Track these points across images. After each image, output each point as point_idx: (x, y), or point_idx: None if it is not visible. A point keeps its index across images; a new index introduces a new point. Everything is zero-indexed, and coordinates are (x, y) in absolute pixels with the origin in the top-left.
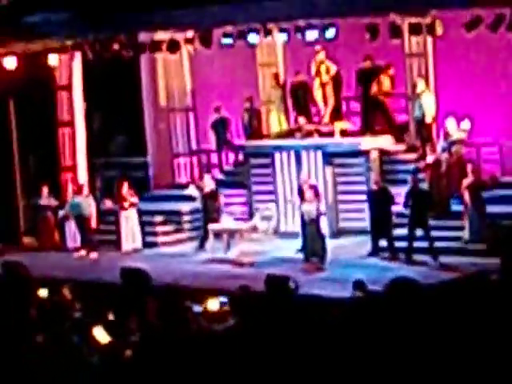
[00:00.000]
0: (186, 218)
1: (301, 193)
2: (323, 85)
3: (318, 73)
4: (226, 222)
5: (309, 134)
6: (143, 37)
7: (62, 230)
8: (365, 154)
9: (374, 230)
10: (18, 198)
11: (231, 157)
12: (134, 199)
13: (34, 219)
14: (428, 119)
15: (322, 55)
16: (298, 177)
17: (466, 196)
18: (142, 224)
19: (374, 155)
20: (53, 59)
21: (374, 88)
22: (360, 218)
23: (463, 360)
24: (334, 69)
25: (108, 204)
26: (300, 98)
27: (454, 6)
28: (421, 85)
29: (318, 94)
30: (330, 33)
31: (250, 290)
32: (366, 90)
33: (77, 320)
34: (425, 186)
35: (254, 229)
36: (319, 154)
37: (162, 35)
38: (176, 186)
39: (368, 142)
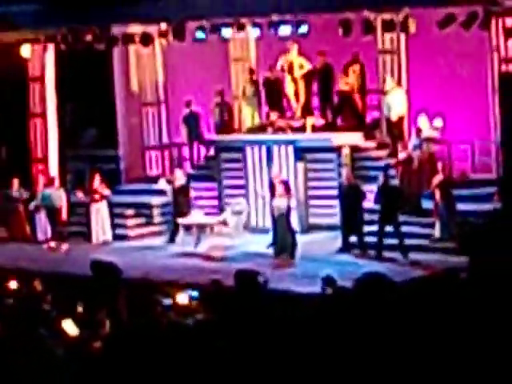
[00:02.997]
0: (157, 211)
1: (272, 188)
2: (295, 80)
3: (291, 69)
4: (197, 216)
5: (281, 129)
6: (116, 29)
7: (33, 221)
8: (336, 150)
9: (345, 226)
10: None
11: (202, 151)
12: (106, 192)
13: (5, 211)
14: (393, 117)
15: (295, 51)
16: (269, 172)
17: (437, 193)
18: (113, 216)
19: (346, 151)
20: (25, 50)
21: (342, 84)
22: (331, 213)
23: (432, 355)
24: (307, 65)
25: (79, 196)
26: (273, 93)
27: (427, 3)
28: (390, 82)
29: (290, 89)
30: (303, 28)
31: (220, 284)
32: (325, 86)
33: (46, 312)
34: (396, 182)
35: (225, 223)
36: (291, 149)
37: (135, 28)
38: (147, 179)
39: (340, 138)
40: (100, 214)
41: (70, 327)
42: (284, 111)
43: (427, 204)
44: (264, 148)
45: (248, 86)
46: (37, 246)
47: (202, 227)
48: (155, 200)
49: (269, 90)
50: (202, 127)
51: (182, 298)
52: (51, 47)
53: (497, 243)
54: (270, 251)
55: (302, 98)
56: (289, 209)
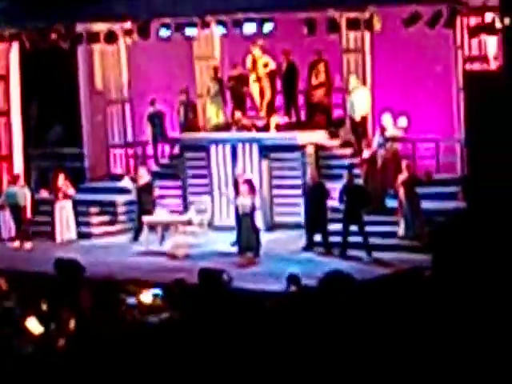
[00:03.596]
0: (121, 209)
1: (236, 186)
2: (259, 79)
3: (255, 67)
4: (161, 215)
5: (245, 128)
6: (81, 27)
7: None
8: (301, 148)
9: (309, 225)
10: None
11: (167, 149)
12: (70, 190)
13: None
14: (357, 116)
15: (258, 50)
16: (233, 170)
17: (401, 192)
18: (77, 215)
19: (310, 150)
20: None
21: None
22: (295, 212)
23: (394, 353)
24: (271, 64)
25: (43, 194)
26: (237, 92)
27: (392, 1)
28: (353, 81)
29: (254, 87)
30: (268, 27)
31: (184, 283)
32: (289, 84)
33: (10, 310)
34: (360, 181)
35: (189, 222)
36: (255, 147)
37: (99, 26)
38: (111, 177)
39: (304, 137)
40: (64, 212)
41: (34, 325)
42: (248, 110)
43: (391, 202)
44: (228, 147)
45: (212, 84)
46: (1, 244)
47: (166, 226)
48: (119, 198)
49: (233, 89)
50: (166, 126)
51: (146, 297)
52: (16, 45)
53: (461, 242)
54: (235, 250)
55: (267, 97)
56: (253, 207)
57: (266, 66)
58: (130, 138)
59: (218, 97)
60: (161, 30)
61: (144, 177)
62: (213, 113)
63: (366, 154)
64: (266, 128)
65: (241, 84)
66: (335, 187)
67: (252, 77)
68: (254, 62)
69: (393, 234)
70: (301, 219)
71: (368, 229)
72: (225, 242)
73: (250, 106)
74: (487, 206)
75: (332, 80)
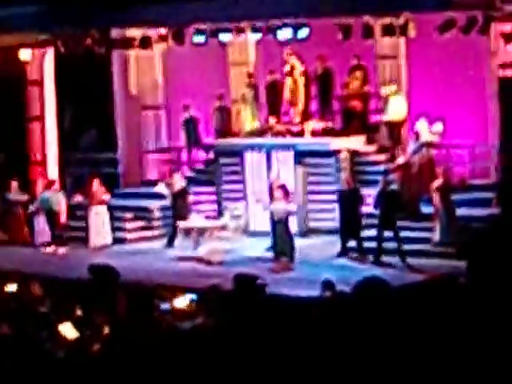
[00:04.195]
0: (156, 214)
1: (270, 192)
2: (295, 84)
3: (290, 73)
4: (195, 220)
5: (280, 134)
6: (116, 33)
7: (32, 225)
8: (335, 154)
9: (344, 231)
10: None
11: (201, 155)
12: (105, 195)
13: (4, 214)
14: (396, 121)
15: (293, 55)
16: (268, 176)
17: (436, 198)
18: (112, 220)
19: (345, 155)
20: (25, 54)
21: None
22: (329, 218)
23: (432, 361)
24: (299, 67)
25: (78, 199)
26: (272, 98)
27: (427, 8)
28: (391, 86)
29: (289, 93)
30: (303, 32)
31: (219, 288)
32: (325, 90)
33: (44, 315)
34: (395, 187)
35: (224, 227)
36: (290, 153)
37: (134, 31)
38: (145, 182)
39: (339, 143)
40: (99, 217)
41: (68, 330)
42: (282, 115)
43: (426, 209)
44: (263, 152)
45: (247, 90)
46: (35, 250)
47: (200, 231)
48: (154, 204)
49: (268, 94)
50: (200, 131)
51: (181, 302)
52: (50, 50)
53: (496, 248)
54: (269, 255)
55: (301, 103)
56: (288, 213)
57: (299, 71)
58: (164, 143)
59: (252, 103)
60: (195, 35)
61: (178, 182)
62: (247, 119)
63: (401, 159)
64: (300, 133)
65: (276, 90)
66: (370, 193)
67: (287, 83)
68: (290, 68)
69: (427, 240)
70: (335, 225)
71: (403, 235)
72: (259, 247)
73: (284, 111)
74: None
75: (366, 85)
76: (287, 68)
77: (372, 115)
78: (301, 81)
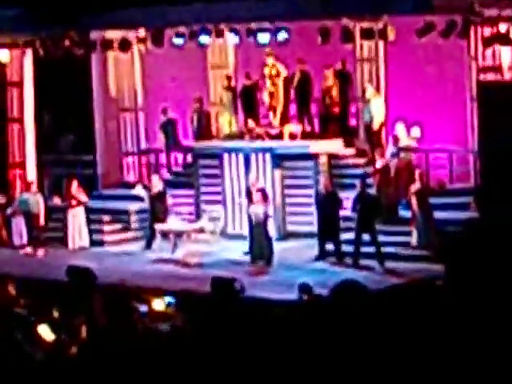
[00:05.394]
0: (134, 217)
1: (249, 195)
2: (273, 87)
3: (269, 76)
4: (173, 223)
5: (258, 137)
6: (95, 35)
7: (10, 226)
8: (314, 157)
9: (322, 234)
10: None
11: (180, 157)
12: (83, 197)
13: None
14: (375, 125)
15: (272, 58)
16: (246, 179)
17: (414, 202)
18: (90, 222)
19: (323, 159)
20: (4, 55)
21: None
22: (308, 221)
23: (407, 362)
24: (284, 72)
25: (56, 201)
26: (250, 101)
27: (406, 11)
28: (370, 90)
29: (267, 96)
30: (282, 36)
31: (197, 291)
32: (303, 93)
33: (22, 317)
34: (373, 190)
35: (201, 230)
36: (268, 156)
37: (113, 34)
38: (124, 185)
39: (317, 146)
40: (77, 219)
41: (45, 332)
42: (261, 118)
43: (404, 212)
44: (242, 155)
45: (225, 92)
46: (13, 251)
47: (178, 234)
48: (132, 206)
49: (246, 98)
50: (179, 134)
51: (158, 305)
52: (29, 52)
53: (473, 252)
54: (247, 258)
55: (280, 106)
56: (266, 216)
57: (278, 74)
58: (143, 145)
59: (230, 106)
60: (175, 38)
61: (157, 185)
62: (225, 122)
63: (379, 163)
64: (279, 137)
65: (253, 93)
66: (348, 196)
67: (265, 85)
68: (269, 70)
69: (405, 244)
70: (313, 228)
71: (381, 238)
72: (237, 250)
73: (263, 114)
74: (500, 216)
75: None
76: (266, 70)
77: (351, 118)
78: (280, 83)
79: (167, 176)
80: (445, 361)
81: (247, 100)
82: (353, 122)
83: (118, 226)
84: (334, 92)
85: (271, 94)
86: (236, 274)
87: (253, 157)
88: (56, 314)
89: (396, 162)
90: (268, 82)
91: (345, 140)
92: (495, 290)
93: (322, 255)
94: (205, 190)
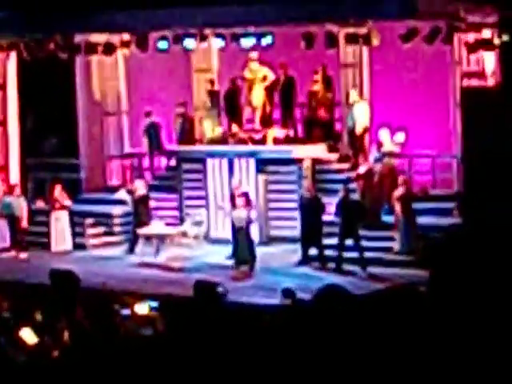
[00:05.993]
0: (117, 221)
1: (232, 199)
2: (257, 92)
3: (253, 80)
4: (156, 227)
5: (242, 141)
6: (79, 38)
7: None
8: (297, 162)
9: (305, 239)
10: None
11: (163, 161)
12: (66, 201)
13: None
14: (358, 130)
15: (256, 62)
16: (229, 183)
17: (397, 207)
18: (73, 226)
19: (307, 163)
20: None
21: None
22: (291, 226)
23: (389, 368)
24: (270, 76)
25: (39, 205)
26: (233, 105)
27: (391, 16)
28: (353, 95)
29: (251, 100)
30: (266, 40)
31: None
32: (287, 98)
33: (4, 320)
34: (356, 196)
35: (184, 234)
36: (252, 160)
37: (97, 37)
38: (107, 188)
39: (301, 151)
40: (60, 222)
41: (28, 335)
42: (244, 123)
43: (387, 218)
44: (225, 159)
45: (208, 97)
46: None
47: (161, 238)
48: (115, 210)
49: (229, 102)
50: (162, 138)
51: (141, 309)
52: (13, 55)
53: (456, 257)
54: (230, 263)
55: (264, 110)
56: (249, 220)
57: (264, 78)
58: (126, 149)
59: (213, 110)
60: (159, 42)
61: (140, 188)
62: (208, 126)
63: (362, 168)
64: (263, 141)
65: (236, 97)
66: (331, 201)
67: (250, 89)
68: (254, 74)
69: (388, 249)
70: (297, 233)
71: (364, 243)
72: (220, 254)
73: (247, 119)
74: (482, 222)
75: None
76: (249, 74)
77: (334, 123)
78: (263, 87)
79: (150, 180)
80: (428, 366)
81: (230, 104)
82: (337, 126)
83: (101, 229)
84: (321, 96)
85: (255, 98)
86: (219, 279)
87: (236, 161)
88: (39, 317)
89: (379, 167)
90: (253, 86)
91: (329, 145)
92: (478, 295)
93: (305, 260)
94: (188, 194)
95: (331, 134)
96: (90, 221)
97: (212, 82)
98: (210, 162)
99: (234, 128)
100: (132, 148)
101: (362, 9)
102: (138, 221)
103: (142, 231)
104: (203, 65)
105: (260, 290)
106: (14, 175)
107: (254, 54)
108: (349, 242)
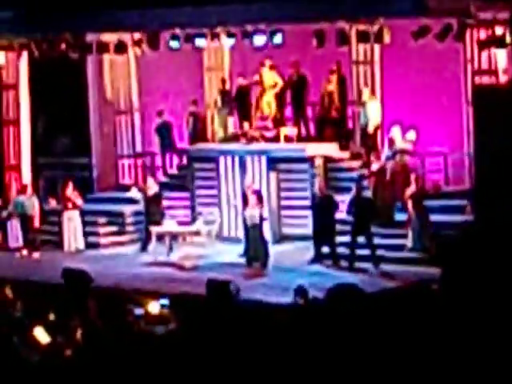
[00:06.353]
0: (129, 219)
1: (244, 198)
2: (268, 98)
3: (264, 87)
4: (169, 225)
5: (254, 139)
6: (90, 37)
7: (5, 229)
8: (309, 160)
9: (317, 237)
10: None
11: (175, 160)
12: (78, 200)
13: None
14: (371, 128)
15: (267, 69)
16: (241, 182)
17: (410, 205)
18: (85, 225)
19: (319, 162)
20: None
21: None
22: (303, 224)
23: (403, 365)
24: (280, 82)
25: (52, 204)
26: (245, 103)
27: (402, 14)
28: (366, 93)
29: (263, 99)
30: (278, 38)
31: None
32: (299, 96)
33: (17, 319)
34: (369, 193)
35: (197, 232)
36: (263, 159)
37: (109, 36)
38: (119, 187)
39: (313, 149)
40: (72, 222)
41: (41, 335)
42: (257, 121)
43: (400, 215)
44: (237, 158)
45: (220, 95)
46: (9, 254)
47: (174, 236)
48: (127, 209)
49: (241, 100)
50: (174, 136)
51: (154, 307)
52: (25, 55)
53: (468, 255)
54: (242, 261)
55: (276, 109)
56: (261, 219)
57: (275, 85)
58: (138, 148)
59: (225, 108)
60: (170, 40)
61: (152, 187)
62: (220, 125)
63: (374, 166)
64: (275, 139)
65: (248, 95)
66: (344, 199)
67: (261, 96)
68: (263, 82)
69: (401, 247)
70: (309, 231)
71: (376, 241)
72: (233, 253)
73: (258, 117)
74: (495, 219)
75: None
76: (263, 78)
77: (347, 121)
78: (271, 93)
79: (163, 178)
80: (440, 363)
81: (242, 103)
82: (349, 125)
83: (114, 228)
84: (335, 96)
85: (267, 97)
86: (231, 277)
87: (248, 159)
88: (52, 316)
89: (392, 164)
90: (263, 89)
91: (340, 143)
92: (491, 292)
93: (318, 258)
94: (200, 192)
95: (343, 132)
96: (102, 220)
97: (224, 81)
98: (221, 160)
99: (246, 126)
100: (144, 147)
101: (373, 6)
102: (150, 220)
103: (154, 230)
104: (214, 63)
105: (272, 288)
106: (26, 175)
107: (267, 62)
108: (361, 239)
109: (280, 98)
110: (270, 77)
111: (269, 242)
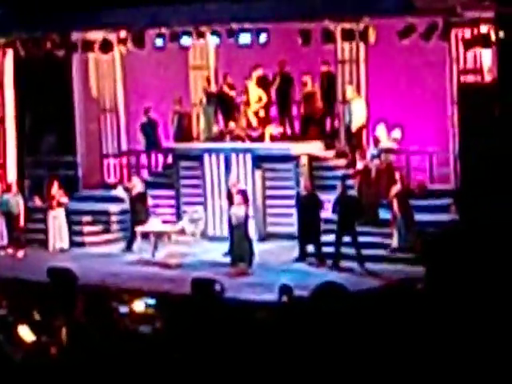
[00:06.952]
0: (114, 218)
1: (229, 196)
2: (254, 105)
3: (249, 100)
4: (154, 224)
5: (239, 138)
6: (76, 36)
7: None
8: (294, 159)
9: (302, 236)
10: None
11: (160, 159)
12: (64, 199)
13: None
14: (355, 126)
15: (253, 83)
16: (226, 180)
17: (395, 203)
18: (70, 223)
19: (304, 160)
20: None
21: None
22: (288, 222)
23: (385, 365)
24: (264, 98)
25: (37, 202)
26: (230, 102)
27: (388, 13)
28: (350, 92)
29: (248, 96)
30: (263, 37)
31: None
32: (284, 95)
33: (1, 318)
34: (354, 192)
35: (182, 231)
36: (249, 157)
37: (94, 35)
38: (105, 186)
39: (298, 147)
40: (57, 220)
41: (26, 333)
42: (241, 120)
43: (385, 214)
44: (222, 156)
45: (205, 94)
46: None
47: (159, 235)
48: (113, 207)
49: (225, 99)
50: (159, 135)
51: (139, 306)
52: (10, 53)
53: (453, 254)
54: (227, 260)
55: (258, 108)
56: (246, 217)
57: (259, 100)
58: (124, 146)
59: (209, 107)
60: (156, 39)
61: (137, 186)
62: (206, 123)
63: (359, 165)
64: (260, 138)
65: (230, 96)
66: (329, 198)
67: (245, 102)
68: (248, 95)
69: (386, 246)
70: (294, 230)
71: (361, 240)
72: (218, 251)
73: (244, 116)
74: (479, 218)
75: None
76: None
77: (332, 120)
78: (255, 107)
79: (148, 177)
80: (425, 362)
81: (227, 102)
82: (334, 123)
83: (99, 227)
84: (315, 97)
85: (252, 96)
86: (216, 276)
87: (233, 158)
88: (36, 315)
89: (377, 163)
90: (250, 83)
91: (325, 142)
92: (476, 292)
93: (303, 257)
94: (185, 191)
95: (328, 131)
96: (87, 218)
97: (208, 80)
98: (207, 158)
99: (231, 125)
100: (129, 145)
101: (358, 5)
102: (136, 218)
103: (139, 228)
104: (200, 62)
105: (257, 286)
106: (12, 173)
107: (254, 74)
108: (346, 238)
109: (266, 92)
110: (255, 92)
111: (254, 241)
